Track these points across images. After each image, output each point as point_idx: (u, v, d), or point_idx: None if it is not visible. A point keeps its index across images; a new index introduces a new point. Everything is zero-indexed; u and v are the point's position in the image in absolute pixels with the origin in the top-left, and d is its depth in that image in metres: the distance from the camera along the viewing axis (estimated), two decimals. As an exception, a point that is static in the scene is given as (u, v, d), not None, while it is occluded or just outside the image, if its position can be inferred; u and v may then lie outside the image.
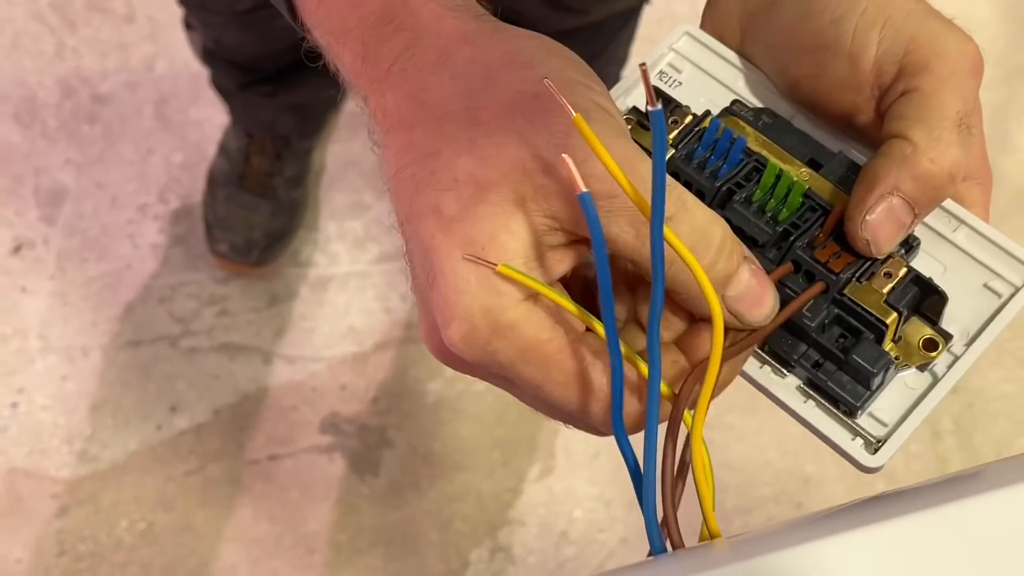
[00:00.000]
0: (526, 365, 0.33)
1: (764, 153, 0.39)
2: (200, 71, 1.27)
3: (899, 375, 0.37)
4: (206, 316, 1.35)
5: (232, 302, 1.36)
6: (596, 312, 0.34)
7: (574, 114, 0.31)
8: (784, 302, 0.37)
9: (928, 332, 0.38)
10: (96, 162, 1.42)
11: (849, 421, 0.37)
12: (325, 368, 1.33)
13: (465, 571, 1.24)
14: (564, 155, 0.31)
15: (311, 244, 1.39)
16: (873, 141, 0.38)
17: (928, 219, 0.39)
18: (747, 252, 0.35)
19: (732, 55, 0.42)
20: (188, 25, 1.20)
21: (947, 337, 0.37)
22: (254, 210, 1.33)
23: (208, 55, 1.22)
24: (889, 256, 0.37)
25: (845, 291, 0.37)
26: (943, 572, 0.28)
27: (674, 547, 0.32)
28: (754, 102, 0.42)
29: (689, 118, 0.40)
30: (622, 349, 0.33)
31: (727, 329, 0.35)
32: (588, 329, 0.34)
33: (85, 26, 1.50)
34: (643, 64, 0.32)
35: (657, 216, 0.30)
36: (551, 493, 1.27)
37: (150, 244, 1.38)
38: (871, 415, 0.37)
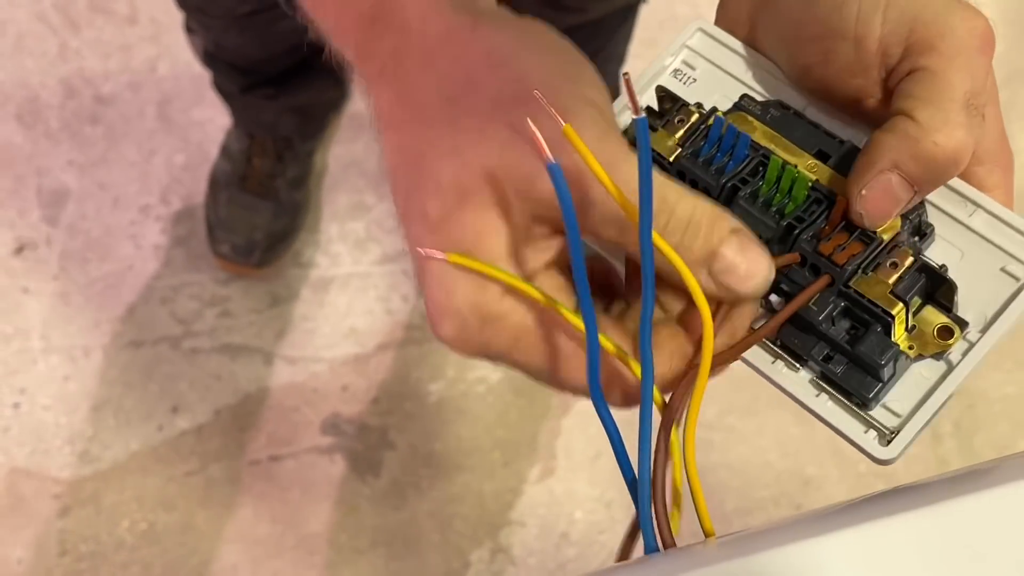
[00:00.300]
0: (519, 352, 0.35)
1: (771, 147, 0.39)
2: (202, 73, 1.27)
3: (914, 365, 0.37)
4: (208, 317, 1.35)
5: (234, 303, 1.36)
6: (600, 295, 0.34)
7: (563, 124, 0.31)
8: (791, 296, 0.37)
9: (942, 320, 0.37)
10: (98, 163, 1.42)
11: (862, 413, 0.37)
12: (326, 369, 1.33)
13: (465, 572, 1.24)
14: (532, 127, 0.31)
15: (313, 245, 1.39)
16: (884, 124, 0.38)
17: (944, 205, 0.38)
18: (735, 224, 0.35)
19: (744, 49, 0.42)
20: (189, 29, 1.21)
21: (962, 324, 0.36)
22: (256, 211, 1.33)
23: (209, 58, 1.22)
24: (895, 246, 0.37)
25: (851, 283, 0.37)
26: (935, 571, 0.28)
27: (665, 546, 0.32)
28: (767, 95, 0.41)
29: (695, 116, 0.40)
30: (610, 346, 0.33)
31: (726, 321, 0.36)
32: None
33: (88, 27, 1.50)
34: (626, 73, 0.32)
35: (645, 224, 0.31)
36: (552, 494, 1.27)
37: (152, 245, 1.38)
38: (885, 406, 0.37)
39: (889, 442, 0.36)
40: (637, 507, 0.33)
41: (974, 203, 0.38)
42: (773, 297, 0.38)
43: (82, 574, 1.24)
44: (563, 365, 0.35)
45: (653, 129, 0.40)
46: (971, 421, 1.31)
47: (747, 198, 0.38)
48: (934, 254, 0.38)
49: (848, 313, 0.37)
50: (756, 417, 1.28)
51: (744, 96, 0.41)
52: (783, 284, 0.37)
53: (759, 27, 0.42)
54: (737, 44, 0.42)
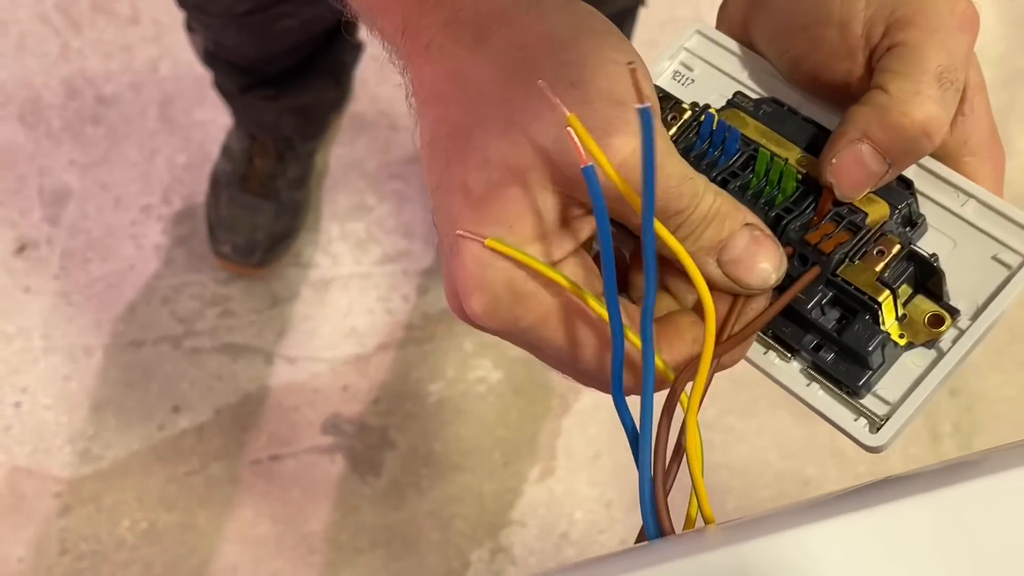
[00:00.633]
0: (546, 330, 0.35)
1: (762, 141, 0.40)
2: (204, 73, 1.28)
3: (905, 354, 0.37)
4: (208, 317, 1.35)
5: (234, 303, 1.36)
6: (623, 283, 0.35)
7: (568, 113, 0.32)
8: (782, 288, 0.37)
9: (933, 308, 0.37)
10: (100, 163, 1.43)
11: (852, 402, 0.37)
12: (327, 369, 1.33)
13: (465, 571, 1.24)
14: (569, 129, 0.31)
15: (313, 245, 1.39)
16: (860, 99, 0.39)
17: (936, 195, 0.39)
18: (751, 219, 0.36)
19: (740, 49, 0.43)
20: (189, 27, 1.22)
21: (953, 312, 0.37)
22: (257, 211, 1.34)
23: (209, 57, 1.22)
24: (882, 234, 0.37)
25: (838, 272, 0.37)
26: (932, 557, 0.28)
27: (664, 534, 0.32)
28: (763, 93, 0.42)
29: (688, 113, 0.41)
30: (635, 340, 0.33)
31: (731, 307, 0.36)
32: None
33: (90, 28, 1.50)
34: (631, 63, 0.33)
35: (647, 212, 0.31)
36: (552, 494, 1.27)
37: (153, 245, 1.38)
38: (875, 394, 0.37)
39: (879, 429, 0.36)
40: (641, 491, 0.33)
41: (966, 192, 0.39)
42: None
43: (82, 573, 1.24)
44: (584, 352, 0.35)
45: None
46: (971, 422, 1.31)
47: (737, 190, 0.38)
48: (926, 244, 0.38)
49: (837, 302, 0.37)
50: (756, 417, 1.28)
51: (737, 93, 0.42)
52: None
53: (752, 25, 0.42)
54: (734, 45, 0.43)
